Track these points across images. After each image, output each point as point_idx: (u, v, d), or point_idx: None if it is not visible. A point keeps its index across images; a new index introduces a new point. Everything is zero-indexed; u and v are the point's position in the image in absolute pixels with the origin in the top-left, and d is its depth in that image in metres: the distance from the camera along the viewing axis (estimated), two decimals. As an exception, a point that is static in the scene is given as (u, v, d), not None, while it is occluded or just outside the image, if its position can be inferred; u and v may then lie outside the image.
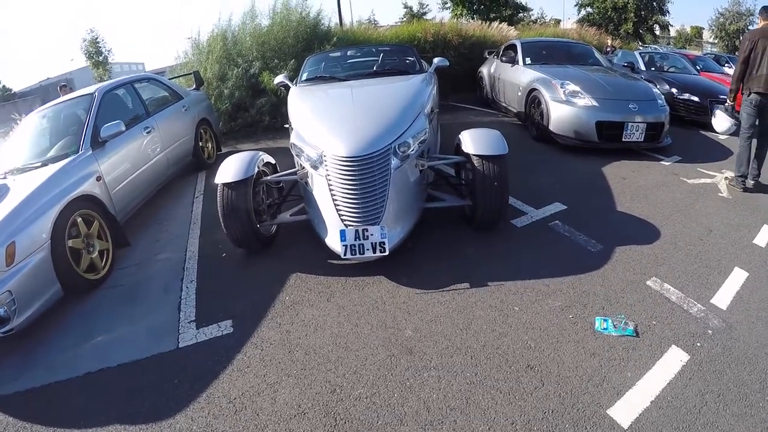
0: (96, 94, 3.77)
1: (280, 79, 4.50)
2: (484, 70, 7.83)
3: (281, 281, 2.87)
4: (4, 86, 27.10)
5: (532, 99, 5.56)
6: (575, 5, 27.14)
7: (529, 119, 5.68)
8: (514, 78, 6.32)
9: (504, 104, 6.86)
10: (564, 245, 3.12)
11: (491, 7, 18.16)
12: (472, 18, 16.61)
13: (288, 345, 2.32)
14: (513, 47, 6.84)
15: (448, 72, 7.90)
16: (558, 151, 5.15)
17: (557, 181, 4.27)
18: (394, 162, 2.68)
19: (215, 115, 6.00)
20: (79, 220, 3.02)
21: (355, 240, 2.49)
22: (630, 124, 4.72)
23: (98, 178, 3.28)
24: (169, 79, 6.00)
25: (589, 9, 26.29)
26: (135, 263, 3.35)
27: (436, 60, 4.48)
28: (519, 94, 6.00)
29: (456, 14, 18.25)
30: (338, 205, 2.60)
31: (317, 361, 2.19)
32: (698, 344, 2.17)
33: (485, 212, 3.00)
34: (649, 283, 2.65)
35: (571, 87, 5.06)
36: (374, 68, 4.34)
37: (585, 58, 6.45)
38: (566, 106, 4.95)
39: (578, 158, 4.88)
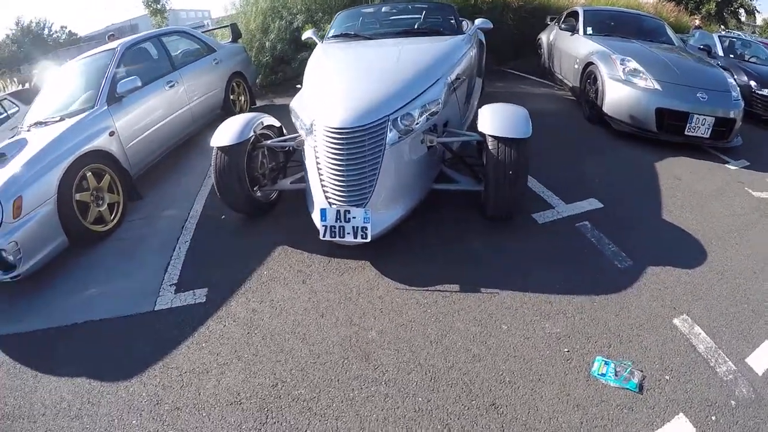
0: (117, 49, 3.82)
1: (308, 34, 4.27)
2: (543, 38, 6.99)
3: (267, 253, 2.83)
4: (70, 31, 28.71)
5: (588, 74, 4.85)
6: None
7: (583, 96, 5.01)
8: (571, 48, 5.54)
9: (560, 76, 6.10)
10: (586, 254, 2.67)
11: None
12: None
13: (249, 325, 2.30)
14: (575, 14, 5.98)
15: (507, 36, 7.22)
16: (609, 136, 4.52)
17: (599, 172, 3.73)
18: (391, 136, 2.37)
19: (252, 69, 5.94)
20: (89, 174, 3.15)
21: (336, 221, 2.32)
22: (696, 116, 3.97)
23: (111, 133, 3.37)
24: (204, 32, 5.95)
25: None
26: (143, 217, 3.49)
27: (477, 21, 4.02)
28: (576, 66, 5.27)
29: None
30: (323, 181, 2.41)
31: (271, 348, 2.14)
32: (713, 418, 1.72)
33: (496, 203, 2.64)
34: (676, 321, 2.17)
35: (632, 65, 4.33)
36: (404, 27, 3.96)
37: (656, 34, 5.49)
38: (624, 86, 4.26)
39: (630, 147, 4.25)
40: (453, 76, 3.00)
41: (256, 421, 1.80)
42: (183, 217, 3.40)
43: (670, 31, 5.64)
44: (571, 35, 5.71)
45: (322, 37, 4.22)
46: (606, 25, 5.59)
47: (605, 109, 4.43)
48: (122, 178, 3.43)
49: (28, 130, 3.41)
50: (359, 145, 2.29)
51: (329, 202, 2.37)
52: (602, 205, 3.18)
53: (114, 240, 3.25)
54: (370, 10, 4.50)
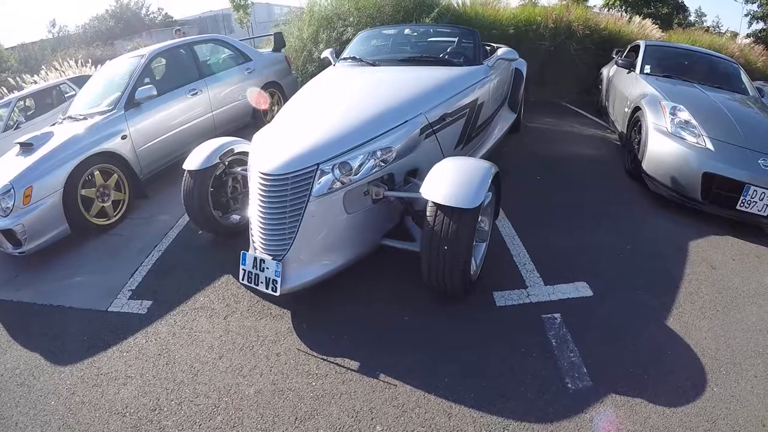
0: (146, 55, 4.21)
1: (326, 53, 4.19)
2: (604, 72, 6.28)
3: (215, 278, 2.92)
4: (166, 13, 30.88)
5: (635, 120, 4.22)
6: (745, 15, 20.34)
7: (628, 145, 4.37)
8: (625, 88, 4.90)
9: (612, 118, 5.45)
10: (534, 360, 2.11)
11: (649, 2, 15.28)
12: (626, 11, 14.03)
13: (163, 348, 2.40)
14: (636, 48, 5.30)
15: (569, 67, 6.66)
16: (646, 198, 3.82)
17: (611, 245, 3.08)
18: (319, 187, 2.19)
19: (291, 78, 6.14)
20: (96, 172, 3.53)
21: (253, 268, 2.30)
22: (753, 187, 3.22)
23: (123, 137, 3.74)
24: (242, 40, 6.27)
25: (762, 24, 19.48)
26: (144, 216, 3.83)
27: (500, 51, 3.71)
28: (626, 109, 4.63)
29: (608, 3, 16.21)
30: (251, 225, 2.40)
31: (167, 375, 2.22)
32: None
33: (429, 276, 2.25)
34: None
35: (684, 115, 3.67)
36: (413, 54, 3.80)
37: (726, 80, 4.63)
38: (669, 140, 3.59)
39: (665, 217, 3.53)
40: (436, 115, 2.74)
41: (128, 436, 1.91)
42: (171, 224, 3.65)
43: (745, 78, 4.74)
44: (628, 73, 5.04)
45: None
46: (668, 64, 4.86)
47: (644, 164, 3.79)
48: (130, 177, 3.78)
49: (61, 122, 3.88)
50: (280, 194, 2.19)
51: (254, 247, 2.37)
52: (591, 294, 2.54)
53: (112, 234, 3.61)
54: (391, 31, 4.40)
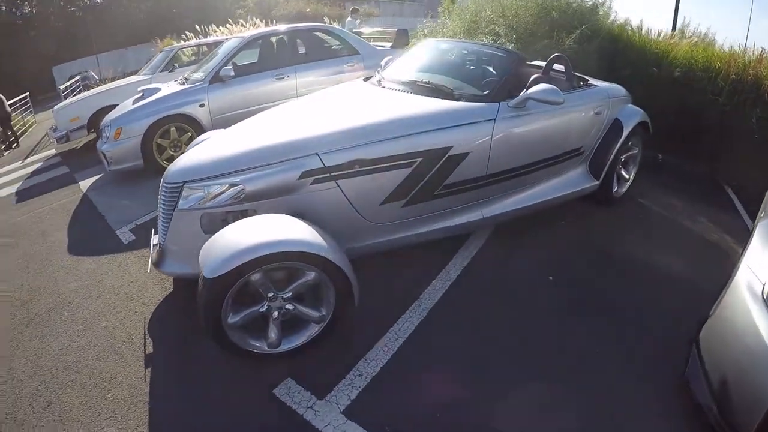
0: (243, 39, 4.85)
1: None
2: None
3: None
4: None
5: None
6: None
7: None
8: None
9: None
10: None
11: None
12: None
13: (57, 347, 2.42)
14: None
15: (743, 136, 4.51)
16: None
17: None
18: (183, 202, 2.22)
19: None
20: (173, 128, 4.43)
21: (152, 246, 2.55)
22: None
23: (201, 105, 4.52)
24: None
25: None
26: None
27: (535, 88, 2.56)
28: None
29: None
30: None
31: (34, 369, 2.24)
32: None
33: None
34: None
35: None
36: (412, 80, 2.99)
37: None
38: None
39: None
40: (342, 159, 2.25)
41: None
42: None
43: None
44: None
45: None
46: None
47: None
48: (201, 138, 4.61)
49: (182, 83, 4.84)
50: (163, 197, 2.33)
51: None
52: None
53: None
54: (447, 46, 3.62)
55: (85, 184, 4.85)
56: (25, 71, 19.91)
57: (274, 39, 5.20)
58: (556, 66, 3.63)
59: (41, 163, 6.56)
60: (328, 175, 2.25)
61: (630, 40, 5.29)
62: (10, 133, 8.93)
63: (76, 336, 2.46)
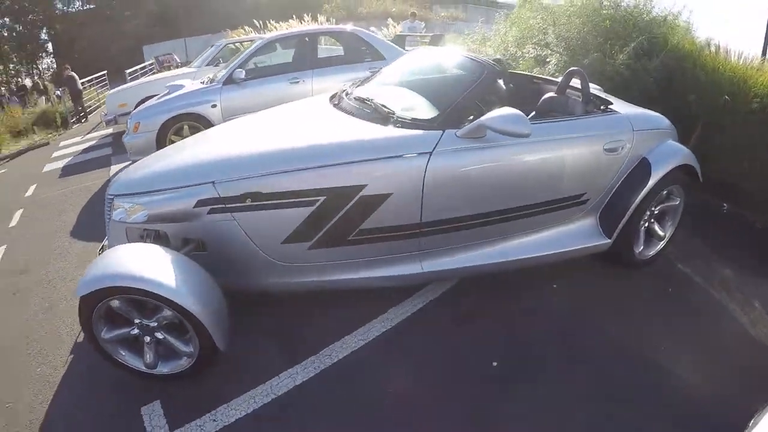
0: (259, 42, 4.95)
1: None
2: None
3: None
4: None
5: None
6: None
7: None
8: None
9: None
10: None
11: None
12: None
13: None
14: None
15: None
16: None
17: None
18: (114, 214, 2.18)
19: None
20: (186, 126, 4.67)
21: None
22: None
23: (213, 105, 4.69)
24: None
25: None
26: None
27: (490, 115, 2.02)
28: None
29: None
30: None
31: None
32: None
33: None
34: None
35: None
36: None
37: None
38: None
39: None
40: (238, 190, 2.02)
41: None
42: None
43: None
44: None
45: None
46: None
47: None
48: (212, 136, 4.84)
49: (210, 83, 5.00)
50: (106, 206, 2.37)
51: None
52: None
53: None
54: (435, 54, 3.19)
55: (114, 169, 5.32)
56: (119, 49, 22.14)
57: (291, 42, 5.26)
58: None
59: (95, 141, 7.31)
60: (223, 206, 2.03)
61: (701, 60, 4.52)
62: (80, 108, 10.07)
63: (41, 312, 2.73)
